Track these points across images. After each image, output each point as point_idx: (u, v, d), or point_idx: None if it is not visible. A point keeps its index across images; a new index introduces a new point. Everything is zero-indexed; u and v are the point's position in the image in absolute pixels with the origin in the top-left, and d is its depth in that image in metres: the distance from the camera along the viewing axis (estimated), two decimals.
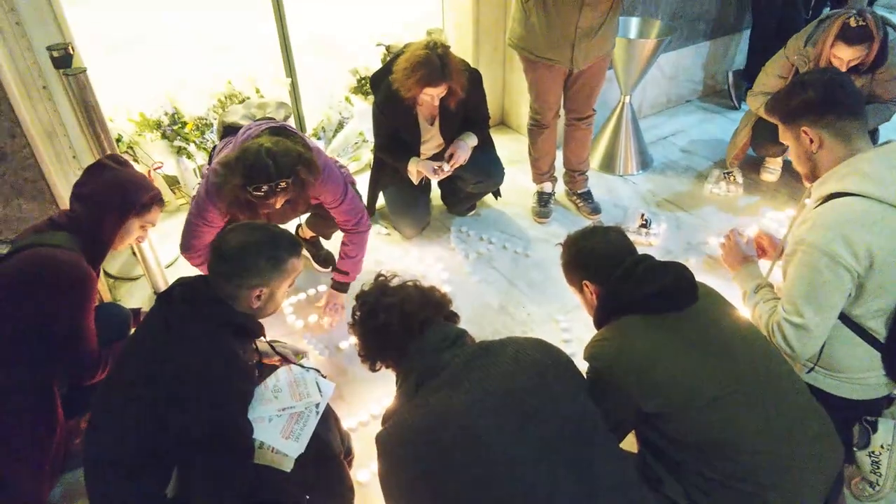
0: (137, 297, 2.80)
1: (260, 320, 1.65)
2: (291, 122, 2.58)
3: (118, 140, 3.04)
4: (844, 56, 2.70)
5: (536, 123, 3.05)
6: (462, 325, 2.57)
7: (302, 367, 1.74)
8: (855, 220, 1.61)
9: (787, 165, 3.37)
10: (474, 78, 2.77)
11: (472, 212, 3.26)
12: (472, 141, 2.85)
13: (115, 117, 3.10)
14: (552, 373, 1.39)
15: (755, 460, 1.38)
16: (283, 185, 1.98)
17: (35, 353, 1.72)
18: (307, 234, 2.89)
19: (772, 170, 3.44)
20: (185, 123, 3.19)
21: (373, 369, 1.53)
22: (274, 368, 1.75)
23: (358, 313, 1.52)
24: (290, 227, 2.94)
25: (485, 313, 2.67)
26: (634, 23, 3.51)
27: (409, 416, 1.33)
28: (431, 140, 2.90)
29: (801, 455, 1.41)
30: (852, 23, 2.63)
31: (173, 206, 3.32)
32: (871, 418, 1.81)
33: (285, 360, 1.79)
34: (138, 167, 3.17)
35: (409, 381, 1.39)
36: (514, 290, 2.79)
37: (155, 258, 2.71)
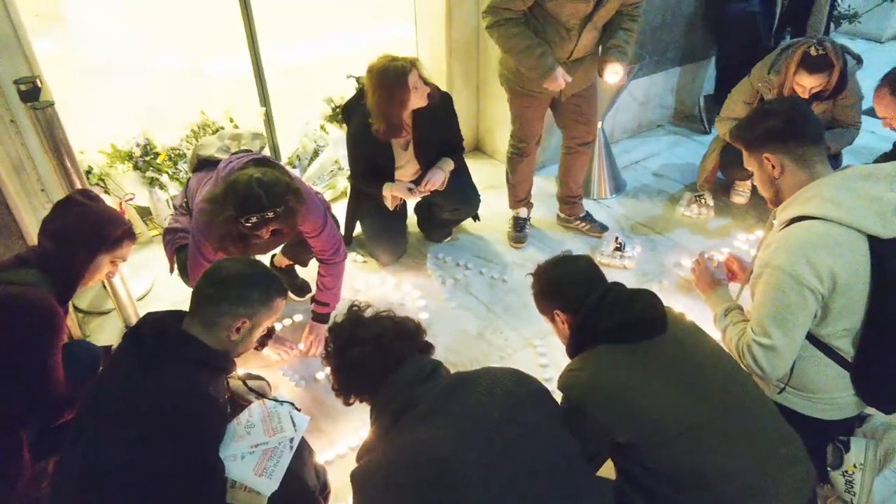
0: (109, 332, 2.75)
1: (233, 357, 1.63)
2: (266, 152, 2.59)
3: (88, 172, 3.00)
4: (806, 84, 2.78)
5: (519, 152, 3.04)
6: (440, 352, 2.59)
7: (276, 400, 1.72)
8: (817, 243, 1.65)
9: (755, 188, 3.42)
10: (446, 100, 2.81)
11: (449, 238, 3.27)
12: (448, 166, 2.87)
13: (86, 149, 3.06)
14: (527, 404, 1.39)
15: (729, 489, 1.40)
16: (272, 214, 1.99)
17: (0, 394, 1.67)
18: (283, 262, 2.87)
19: (741, 192, 3.51)
20: (157, 154, 3.17)
21: (347, 403, 1.51)
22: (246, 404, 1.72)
23: (331, 346, 1.51)
24: (265, 257, 2.93)
25: (463, 340, 2.67)
26: None
27: (386, 452, 1.31)
28: (407, 165, 2.92)
29: (774, 481, 1.42)
30: (813, 52, 2.72)
31: (146, 238, 3.28)
32: (843, 438, 1.84)
33: (258, 395, 1.76)
34: (109, 199, 3.14)
35: (385, 416, 1.38)
36: (492, 316, 2.80)
37: (126, 292, 2.66)
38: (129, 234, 1.98)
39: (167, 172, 3.18)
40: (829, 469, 1.85)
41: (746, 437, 1.45)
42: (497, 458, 1.26)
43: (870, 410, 1.83)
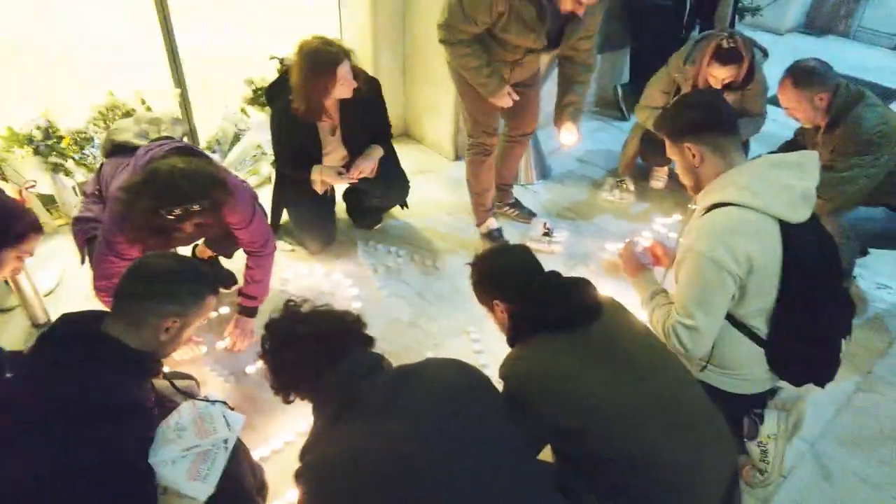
0: (13, 331, 2.54)
1: (160, 358, 1.54)
2: (186, 139, 2.45)
3: None
4: (719, 75, 2.93)
5: (481, 150, 2.87)
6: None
7: (207, 400, 1.64)
8: (735, 228, 1.75)
9: (672, 173, 3.60)
10: (374, 86, 2.75)
11: (379, 225, 3.23)
12: (376, 153, 2.82)
13: None
14: (471, 395, 1.39)
15: (665, 471, 1.46)
16: (196, 207, 1.89)
17: None
18: (205, 253, 2.74)
19: (659, 178, 3.67)
20: (60, 138, 2.93)
21: (287, 401, 1.47)
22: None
23: (268, 344, 1.46)
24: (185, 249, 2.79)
25: (395, 328, 2.65)
26: None
27: (330, 449, 1.28)
28: (334, 152, 2.84)
29: (705, 459, 1.50)
30: (724, 44, 2.87)
31: (51, 228, 3.04)
32: (758, 410, 1.97)
33: (187, 395, 1.68)
34: (7, 187, 2.88)
35: (327, 412, 1.34)
36: (424, 303, 2.79)
37: (31, 287, 2.47)
38: (34, 227, 1.84)
39: (73, 157, 2.95)
40: (745, 440, 1.98)
41: (677, 416, 1.52)
42: (447, 450, 1.26)
43: (781, 384, 1.96)
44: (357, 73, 2.56)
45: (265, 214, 2.44)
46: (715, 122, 1.88)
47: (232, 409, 1.67)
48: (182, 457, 1.49)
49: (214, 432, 1.55)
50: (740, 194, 1.77)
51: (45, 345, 1.41)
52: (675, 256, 2.24)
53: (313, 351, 1.38)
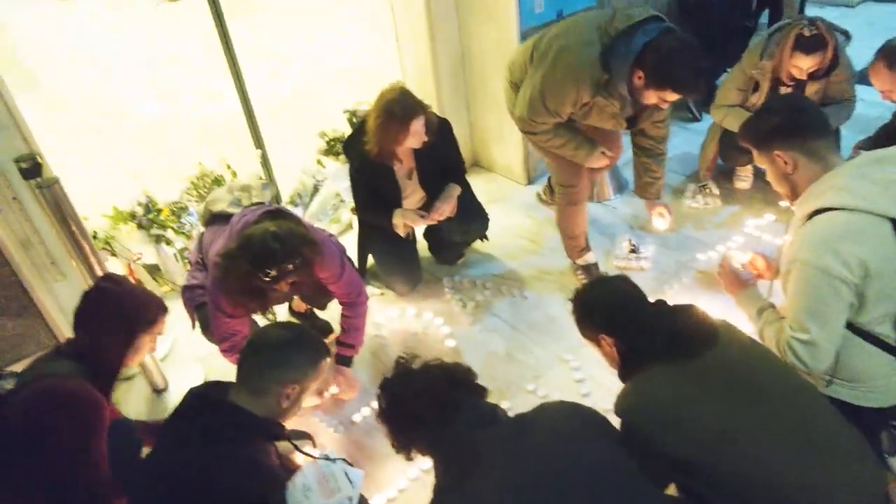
0: (135, 397, 2.71)
1: (282, 423, 1.60)
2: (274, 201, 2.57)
3: (94, 236, 2.97)
4: (804, 65, 2.80)
5: (570, 199, 2.82)
6: None
7: (328, 458, 1.69)
8: (840, 233, 1.65)
9: (757, 171, 3.44)
10: (444, 127, 2.80)
11: (461, 259, 3.25)
12: (454, 192, 2.85)
13: (88, 214, 3.02)
14: (589, 438, 1.37)
15: (796, 496, 1.39)
16: (289, 267, 1.97)
17: (38, 494, 1.62)
18: (301, 307, 2.84)
19: (743, 178, 3.52)
20: (159, 210, 3.13)
21: (408, 458, 1.49)
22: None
23: (384, 404, 1.49)
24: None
25: (494, 363, 2.65)
26: None
27: None
28: (413, 195, 2.90)
29: (841, 480, 1.42)
30: (806, 33, 2.74)
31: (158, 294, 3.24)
32: None
33: (308, 455, 1.73)
34: (117, 262, 3.10)
35: (451, 471, 1.35)
36: (518, 335, 2.78)
37: (150, 354, 2.62)
38: (163, 308, 1.98)
39: (172, 227, 3.15)
40: (886, 455, 1.84)
41: (807, 441, 1.45)
42: (580, 498, 1.24)
43: None
44: (430, 125, 2.61)
45: (353, 266, 2.51)
46: (802, 124, 1.81)
47: (351, 464, 1.71)
48: None
49: (339, 490, 1.59)
50: (839, 197, 1.68)
51: (180, 420, 1.49)
52: (777, 266, 2.15)
53: (428, 408, 1.40)
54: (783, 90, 2.99)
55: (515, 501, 1.24)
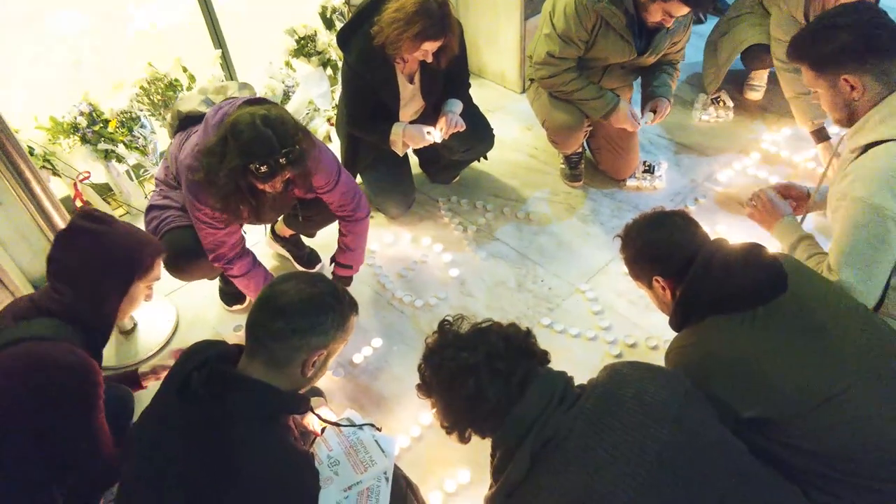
0: None
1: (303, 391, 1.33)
2: None
3: (31, 153, 2.51)
4: None
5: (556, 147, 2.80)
6: (482, 310, 2.35)
7: (353, 424, 1.45)
8: None
9: (771, 77, 3.19)
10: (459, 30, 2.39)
11: (457, 178, 2.95)
12: (458, 108, 2.49)
13: (20, 126, 2.54)
14: (685, 411, 1.17)
15: (878, 455, 1.26)
16: (284, 160, 1.67)
17: (38, 470, 1.40)
18: (285, 232, 2.51)
19: (756, 87, 3.25)
20: (106, 122, 2.67)
21: (463, 440, 1.25)
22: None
23: (432, 377, 1.23)
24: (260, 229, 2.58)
25: (503, 295, 2.42)
26: None
27: (551, 500, 1.08)
28: (411, 102, 2.52)
29: None
30: None
31: None
32: None
33: (329, 422, 1.48)
34: (60, 182, 2.67)
35: (521, 456, 1.12)
36: (527, 262, 2.55)
37: None
38: (158, 251, 1.65)
39: (123, 142, 2.70)
40: None
41: (888, 388, 1.30)
42: (680, 491, 1.08)
43: None
44: (454, 15, 2.24)
45: (349, 174, 2.17)
46: (877, 45, 1.57)
47: (379, 429, 1.48)
48: (345, 498, 1.32)
49: (372, 463, 1.38)
50: None
51: (183, 397, 1.20)
52: (806, 194, 1.98)
53: (492, 384, 1.15)
54: None
55: (613, 493, 1.04)
